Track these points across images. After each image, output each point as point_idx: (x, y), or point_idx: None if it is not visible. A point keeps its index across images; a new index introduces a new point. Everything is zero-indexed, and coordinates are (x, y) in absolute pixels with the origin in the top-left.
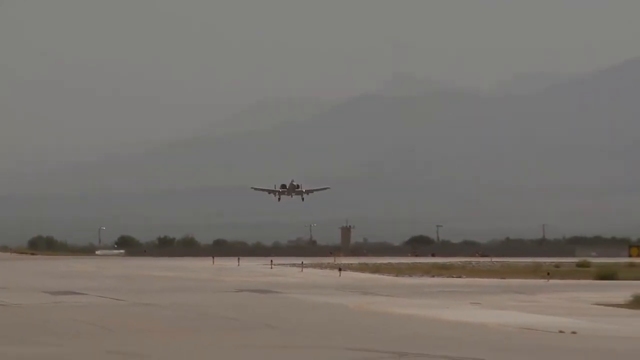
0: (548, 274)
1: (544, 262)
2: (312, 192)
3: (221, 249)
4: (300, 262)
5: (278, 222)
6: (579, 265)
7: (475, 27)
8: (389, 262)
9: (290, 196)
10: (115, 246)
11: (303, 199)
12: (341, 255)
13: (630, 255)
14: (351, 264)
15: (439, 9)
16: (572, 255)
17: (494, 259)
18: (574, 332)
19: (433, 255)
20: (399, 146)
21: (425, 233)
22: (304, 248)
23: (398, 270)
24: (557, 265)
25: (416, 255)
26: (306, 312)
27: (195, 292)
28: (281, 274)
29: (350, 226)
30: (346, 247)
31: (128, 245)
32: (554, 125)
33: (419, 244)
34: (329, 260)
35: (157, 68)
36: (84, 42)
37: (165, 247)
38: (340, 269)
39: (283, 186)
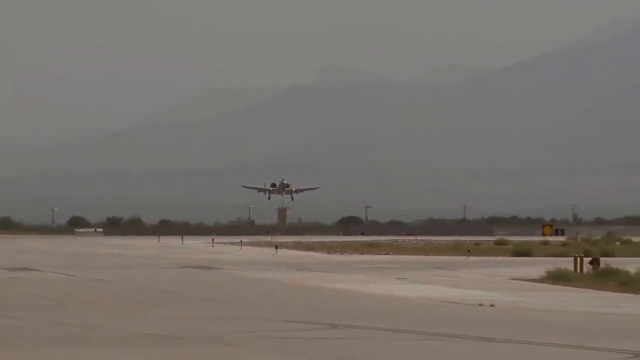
0: (468, 251)
1: (465, 240)
2: (301, 191)
3: (166, 228)
4: (240, 241)
5: (219, 203)
6: (497, 243)
7: (402, 19)
8: (321, 241)
9: (280, 195)
10: (97, 229)
11: (293, 198)
12: (277, 235)
13: (543, 234)
14: (287, 242)
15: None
16: (491, 234)
17: (419, 238)
18: (492, 305)
19: (362, 234)
20: (329, 133)
21: (355, 214)
22: (243, 228)
23: (330, 248)
24: (476, 243)
25: (347, 235)
26: (244, 286)
27: (143, 269)
28: (222, 251)
29: (285, 207)
30: (282, 226)
31: (79, 225)
32: (476, 113)
33: (349, 224)
34: (266, 239)
35: (103, 56)
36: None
37: (113, 226)
38: (276, 247)
39: (273, 185)
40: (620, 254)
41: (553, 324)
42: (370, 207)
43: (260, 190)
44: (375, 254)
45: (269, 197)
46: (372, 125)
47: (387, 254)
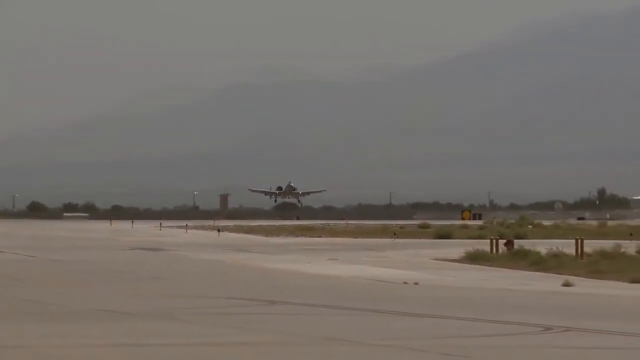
0: (394, 234)
1: (391, 224)
2: (308, 194)
3: (118, 213)
4: (185, 225)
5: (166, 189)
6: (420, 226)
7: (333, 20)
8: (260, 225)
9: (287, 197)
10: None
11: (299, 201)
12: (220, 219)
13: (462, 219)
14: (228, 226)
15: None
16: (415, 218)
17: (349, 222)
18: (416, 283)
19: (297, 218)
20: (270, 127)
21: (290, 200)
22: (188, 212)
23: (268, 231)
24: (401, 227)
25: (283, 219)
26: (190, 266)
27: (97, 250)
28: (169, 234)
29: (227, 194)
30: (224, 211)
31: (37, 210)
32: (405, 108)
33: (285, 209)
34: (210, 222)
35: (61, 52)
36: None
37: (70, 211)
38: (218, 230)
39: (279, 188)
40: (532, 236)
41: (472, 300)
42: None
43: (266, 193)
44: (310, 237)
45: (275, 200)
46: (308, 120)
47: (320, 237)
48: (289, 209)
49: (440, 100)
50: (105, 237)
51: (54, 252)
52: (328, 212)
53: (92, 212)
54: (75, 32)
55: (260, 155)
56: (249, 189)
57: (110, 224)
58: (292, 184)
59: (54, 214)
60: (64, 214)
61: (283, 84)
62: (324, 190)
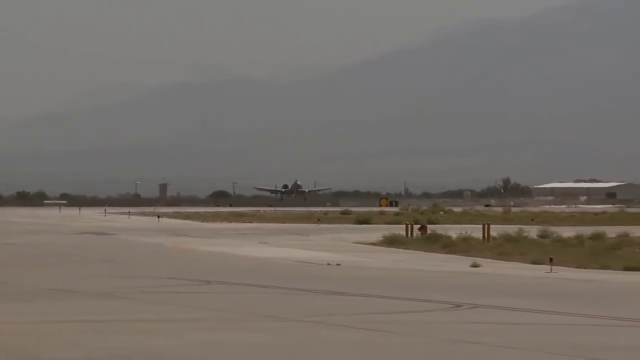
0: (318, 219)
1: (316, 211)
2: (314, 191)
3: (66, 200)
4: (128, 211)
5: (109, 179)
6: (342, 213)
7: (265, 21)
8: (196, 211)
9: (294, 195)
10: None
11: (305, 199)
12: (160, 206)
13: (380, 205)
14: (167, 212)
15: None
16: (338, 205)
17: (277, 209)
18: (338, 264)
19: (231, 205)
20: (203, 122)
21: (224, 188)
22: (130, 200)
23: (203, 217)
24: (325, 213)
25: (218, 206)
26: (133, 249)
27: (47, 234)
28: (113, 220)
29: (166, 183)
30: (163, 199)
31: None
32: (330, 105)
33: (219, 197)
34: (150, 209)
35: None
36: None
37: (22, 199)
38: (158, 216)
39: (285, 186)
40: (444, 221)
41: (389, 280)
42: (237, 182)
43: (272, 191)
44: (242, 222)
45: (282, 199)
46: (240, 116)
47: (251, 222)
48: (223, 197)
49: (364, 98)
50: (55, 222)
51: (8, 236)
52: (258, 200)
53: (43, 199)
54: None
55: (197, 148)
56: (255, 187)
57: (60, 211)
58: (298, 182)
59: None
60: (44, 202)
61: (220, 82)
62: (330, 188)
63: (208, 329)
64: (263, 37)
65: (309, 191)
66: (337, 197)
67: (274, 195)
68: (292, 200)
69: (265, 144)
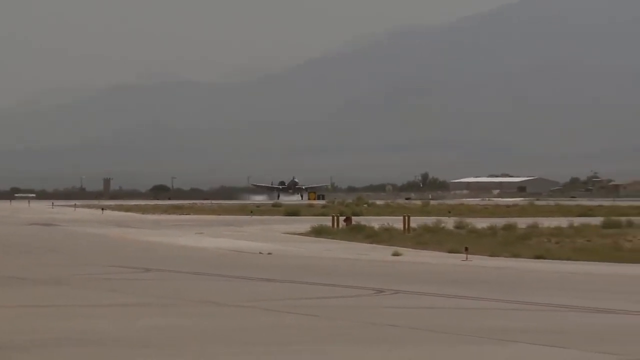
0: (251, 212)
1: (249, 203)
2: (311, 188)
3: (16, 194)
4: (74, 204)
5: (57, 173)
6: (274, 205)
7: (205, 22)
8: (137, 204)
9: (291, 193)
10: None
11: (302, 197)
12: (103, 199)
13: (309, 199)
14: (110, 205)
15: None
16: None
17: (213, 202)
18: (269, 253)
19: (170, 199)
20: (147, 121)
21: (164, 183)
22: (77, 193)
23: (144, 210)
24: (257, 206)
25: (157, 199)
26: (78, 239)
27: None
28: (60, 212)
29: (110, 178)
30: (107, 193)
31: None
32: (266, 107)
33: (159, 191)
34: (95, 202)
35: None
36: None
37: (44, 193)
38: (102, 209)
39: (282, 183)
40: (367, 214)
41: (317, 268)
42: (175, 177)
43: (269, 188)
44: (180, 214)
45: (278, 196)
46: (180, 116)
47: (189, 214)
48: (162, 191)
49: (297, 99)
50: (6, 214)
51: None
52: (196, 193)
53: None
54: None
55: (139, 145)
56: (252, 184)
57: (10, 204)
58: (295, 179)
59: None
60: (15, 195)
61: (163, 84)
62: (327, 185)
63: (152, 314)
64: (203, 43)
65: (306, 188)
66: (268, 191)
67: (270, 191)
68: (219, 193)
69: (203, 141)
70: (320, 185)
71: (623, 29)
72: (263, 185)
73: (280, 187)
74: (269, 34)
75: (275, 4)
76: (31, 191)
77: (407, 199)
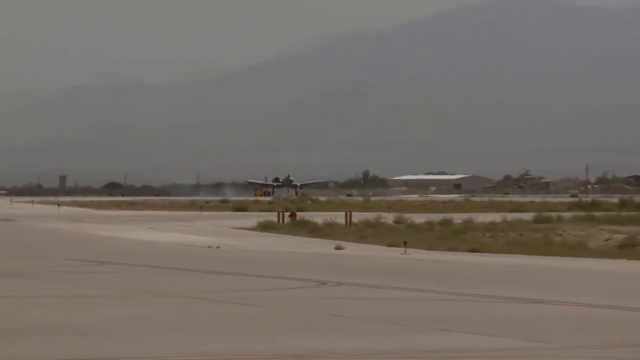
0: (201, 207)
1: (198, 200)
2: (306, 185)
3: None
4: (31, 200)
5: (13, 171)
6: (222, 202)
7: (158, 30)
8: (92, 200)
9: (286, 190)
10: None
11: (297, 193)
12: (60, 195)
13: (256, 195)
14: (66, 201)
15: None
16: (218, 195)
17: (164, 198)
18: (218, 247)
19: (123, 195)
20: (101, 121)
21: (117, 180)
22: (34, 190)
23: (98, 206)
24: (206, 202)
25: (111, 195)
26: (36, 233)
27: None
28: (18, 208)
29: (65, 175)
30: (63, 189)
31: None
32: (212, 106)
33: (113, 188)
34: (51, 198)
35: None
36: None
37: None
38: (59, 205)
39: (276, 179)
40: (311, 209)
41: (263, 261)
42: (128, 175)
43: (264, 185)
44: (133, 210)
45: (273, 192)
46: (133, 117)
47: (141, 210)
48: (116, 188)
49: (249, 100)
50: None
51: None
52: (148, 190)
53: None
54: None
55: (93, 145)
56: (247, 181)
57: None
58: (290, 177)
59: None
60: None
61: (117, 86)
62: (321, 181)
63: (107, 305)
64: (157, 45)
65: (301, 185)
66: (219, 187)
67: (267, 188)
68: (170, 190)
69: (155, 140)
70: (315, 181)
71: (553, 35)
72: (258, 182)
73: (275, 184)
74: (222, 37)
75: (230, 7)
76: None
77: (348, 195)
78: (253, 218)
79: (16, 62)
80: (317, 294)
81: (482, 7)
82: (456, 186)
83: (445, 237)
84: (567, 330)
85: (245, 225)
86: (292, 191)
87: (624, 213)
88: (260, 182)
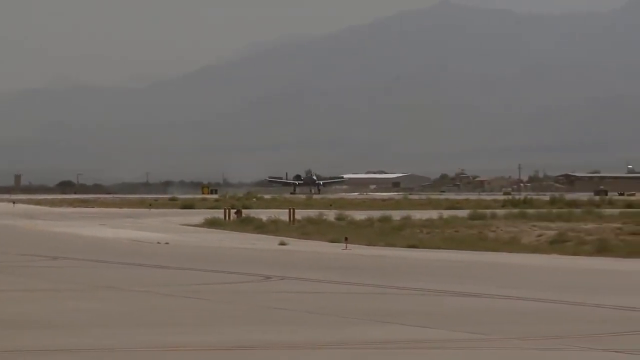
0: (150, 205)
1: (148, 197)
2: (327, 183)
3: None
4: None
5: None
6: (171, 199)
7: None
8: (46, 198)
9: (309, 187)
10: None
11: (319, 190)
12: (15, 193)
13: (202, 193)
14: (21, 199)
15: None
16: (166, 193)
17: (115, 196)
18: (167, 243)
19: (75, 193)
20: (52, 123)
21: (70, 179)
22: None
23: (52, 203)
24: (155, 200)
25: (64, 193)
26: None
27: None
28: None
29: (20, 174)
30: (18, 187)
31: None
32: (164, 108)
33: (66, 186)
34: (6, 196)
35: None
36: None
37: None
38: (14, 202)
39: (297, 177)
40: (256, 207)
41: (210, 256)
42: (82, 174)
43: (285, 183)
44: (85, 207)
45: (294, 191)
46: (84, 118)
47: (93, 207)
48: (69, 186)
49: (190, 101)
50: None
51: None
52: (100, 188)
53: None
54: None
55: (47, 144)
56: (267, 179)
57: None
58: (312, 175)
59: None
60: None
61: (69, 88)
62: (342, 178)
63: (62, 298)
64: (104, 51)
65: (324, 183)
66: (166, 185)
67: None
68: (121, 188)
69: (106, 141)
70: (336, 179)
71: (488, 40)
72: (278, 180)
73: (297, 182)
74: (172, 38)
75: (174, 13)
76: None
77: (292, 193)
78: (200, 215)
79: None
80: (261, 288)
81: (421, 13)
82: (395, 184)
83: (385, 233)
84: (503, 322)
85: (192, 222)
86: (314, 188)
87: (554, 210)
88: (282, 180)
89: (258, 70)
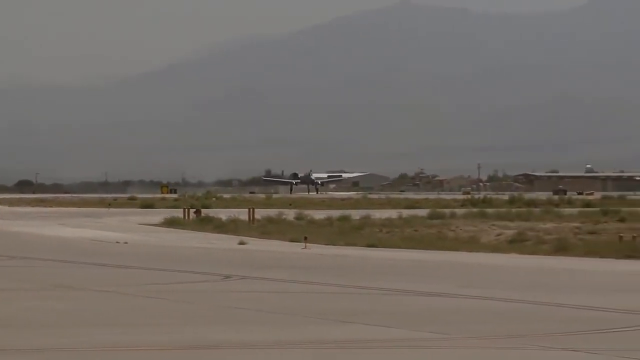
0: (109, 204)
1: (107, 197)
2: (326, 182)
3: None
4: None
5: None
6: (130, 199)
7: (67, 34)
8: (3, 197)
9: (307, 186)
10: None
11: (317, 190)
12: None
13: (162, 192)
14: None
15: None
16: (125, 192)
17: (74, 195)
18: (126, 242)
19: (34, 192)
20: (11, 122)
21: (28, 178)
22: None
23: (10, 203)
24: (115, 199)
25: (23, 193)
26: None
27: None
28: None
29: None
30: None
31: None
32: (128, 107)
33: (24, 186)
34: None
35: None
36: None
37: None
38: None
39: (295, 176)
40: (215, 206)
41: (170, 256)
42: (39, 173)
43: (283, 182)
44: (44, 207)
45: (291, 190)
46: (44, 117)
47: (52, 207)
48: (27, 186)
49: (150, 101)
50: None
51: None
52: (58, 188)
53: None
54: None
55: (4, 144)
56: (263, 178)
57: None
58: (311, 174)
59: None
60: None
61: (29, 88)
62: (341, 176)
63: (17, 299)
64: (62, 51)
65: (322, 182)
66: (126, 185)
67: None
68: (79, 187)
69: (64, 140)
70: (334, 177)
71: (444, 40)
72: (275, 179)
73: (294, 180)
74: (133, 37)
75: (134, 12)
76: None
77: (251, 192)
78: (160, 214)
79: None
80: (221, 287)
81: (379, 13)
82: (354, 184)
83: (344, 232)
84: (466, 321)
85: (152, 221)
86: (312, 187)
87: (513, 209)
88: (279, 179)
89: (218, 69)
